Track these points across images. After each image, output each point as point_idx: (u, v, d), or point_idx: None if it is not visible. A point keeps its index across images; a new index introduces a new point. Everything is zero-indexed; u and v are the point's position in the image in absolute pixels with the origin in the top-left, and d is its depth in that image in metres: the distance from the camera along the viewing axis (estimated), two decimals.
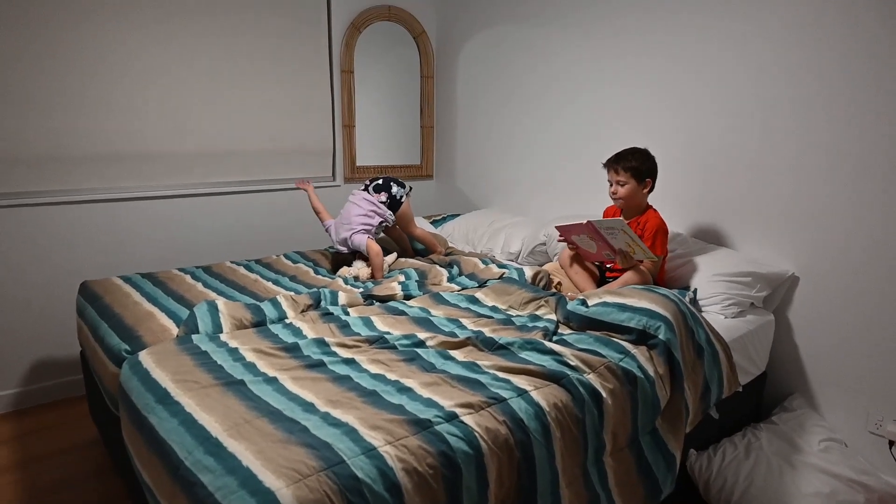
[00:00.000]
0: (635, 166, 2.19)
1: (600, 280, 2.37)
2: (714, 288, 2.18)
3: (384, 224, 2.68)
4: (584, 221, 2.12)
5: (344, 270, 2.55)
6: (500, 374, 1.55)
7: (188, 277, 2.40)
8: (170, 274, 2.43)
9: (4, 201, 2.53)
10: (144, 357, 1.63)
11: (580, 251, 2.29)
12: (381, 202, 2.66)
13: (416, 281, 2.36)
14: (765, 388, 2.38)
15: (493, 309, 2.11)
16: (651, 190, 2.23)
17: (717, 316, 2.15)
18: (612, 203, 2.34)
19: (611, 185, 2.25)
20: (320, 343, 1.73)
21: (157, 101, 2.83)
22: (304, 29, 3.23)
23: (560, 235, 2.29)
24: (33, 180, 2.59)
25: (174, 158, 2.93)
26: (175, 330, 1.86)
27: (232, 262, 2.66)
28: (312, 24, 3.25)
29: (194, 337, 1.77)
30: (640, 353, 1.73)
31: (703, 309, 2.19)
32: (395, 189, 2.68)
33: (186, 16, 2.85)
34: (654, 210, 2.25)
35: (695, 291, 2.20)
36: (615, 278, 2.26)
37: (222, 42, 2.97)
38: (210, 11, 2.90)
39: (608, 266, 2.35)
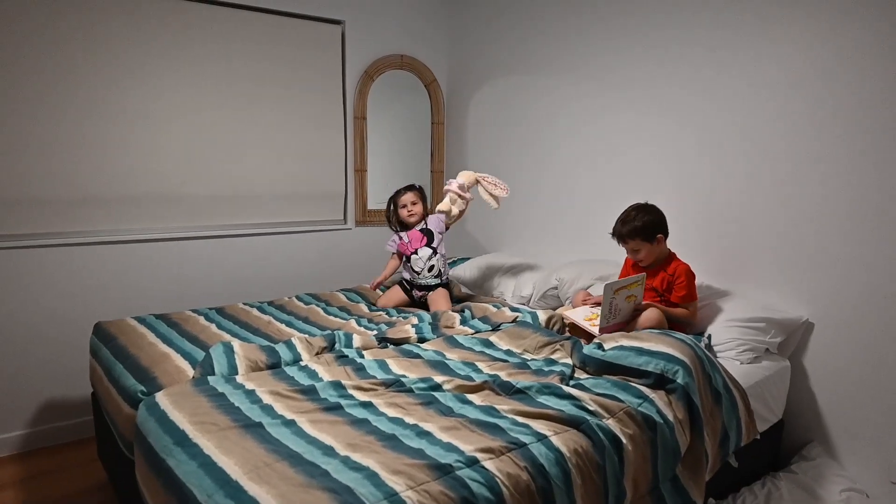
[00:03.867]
0: (639, 228, 2.19)
1: None
2: (728, 333, 2.18)
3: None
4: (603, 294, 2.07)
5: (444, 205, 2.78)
6: (519, 419, 1.53)
7: (202, 319, 2.41)
8: (183, 315, 2.44)
9: (23, 242, 2.56)
10: (161, 398, 1.63)
11: (616, 328, 2.18)
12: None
13: (430, 324, 2.37)
14: (782, 436, 2.35)
15: (508, 353, 2.10)
16: (666, 237, 2.25)
17: (732, 362, 2.14)
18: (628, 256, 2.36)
19: (628, 252, 2.28)
20: (337, 386, 1.72)
21: (175, 145, 2.90)
22: (320, 77, 3.33)
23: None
24: (52, 221, 2.63)
25: (189, 201, 2.98)
26: (190, 371, 1.86)
27: (245, 304, 2.67)
28: (328, 73, 3.35)
29: (210, 378, 1.76)
30: (658, 397, 1.71)
31: (717, 354, 2.18)
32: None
33: (205, 63, 2.94)
34: (677, 257, 2.28)
35: (709, 337, 2.20)
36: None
37: (240, 89, 3.06)
38: (229, 59, 3.00)
39: None
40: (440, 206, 2.77)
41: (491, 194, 2.77)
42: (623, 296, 2.09)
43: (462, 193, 2.76)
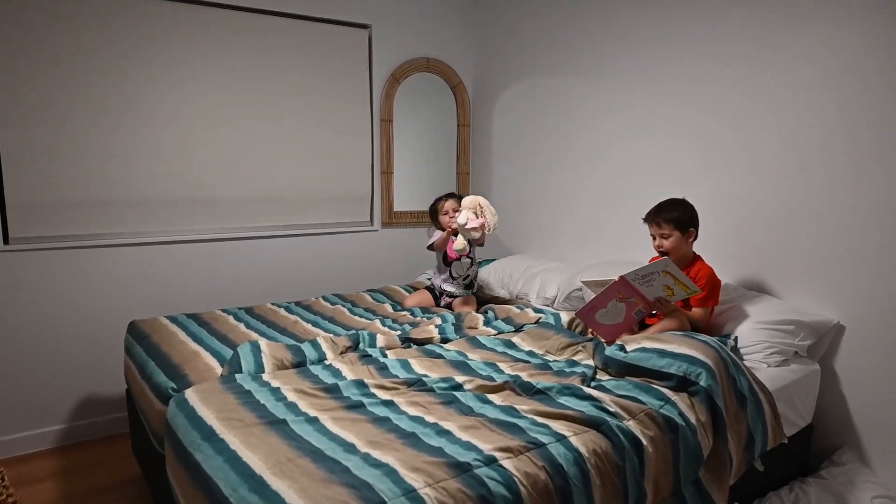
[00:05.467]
0: (677, 217, 2.18)
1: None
2: (756, 336, 2.14)
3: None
4: (616, 279, 2.08)
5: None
6: (539, 419, 1.54)
7: (231, 318, 2.47)
8: (213, 314, 2.51)
9: (62, 243, 2.66)
10: (190, 395, 1.68)
11: (603, 332, 2.19)
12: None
13: (453, 324, 2.38)
14: (811, 440, 2.30)
15: (530, 353, 2.11)
16: (695, 238, 2.23)
17: (759, 364, 2.11)
18: (655, 255, 2.33)
19: (654, 239, 2.25)
20: (360, 384, 1.75)
21: (206, 149, 2.98)
22: (347, 81, 3.38)
23: (581, 319, 2.22)
24: (89, 223, 2.73)
25: (220, 203, 3.06)
26: (219, 369, 1.91)
27: (273, 304, 2.73)
28: (355, 77, 3.40)
29: (238, 376, 1.81)
30: (680, 400, 1.70)
31: (744, 357, 2.15)
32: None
33: (235, 69, 3.01)
34: (702, 259, 2.25)
35: (735, 339, 2.17)
36: (652, 325, 2.24)
37: (268, 93, 3.12)
38: (258, 64, 3.07)
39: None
40: (456, 247, 2.75)
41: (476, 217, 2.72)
42: (661, 285, 2.05)
43: (472, 223, 2.70)
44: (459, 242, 2.73)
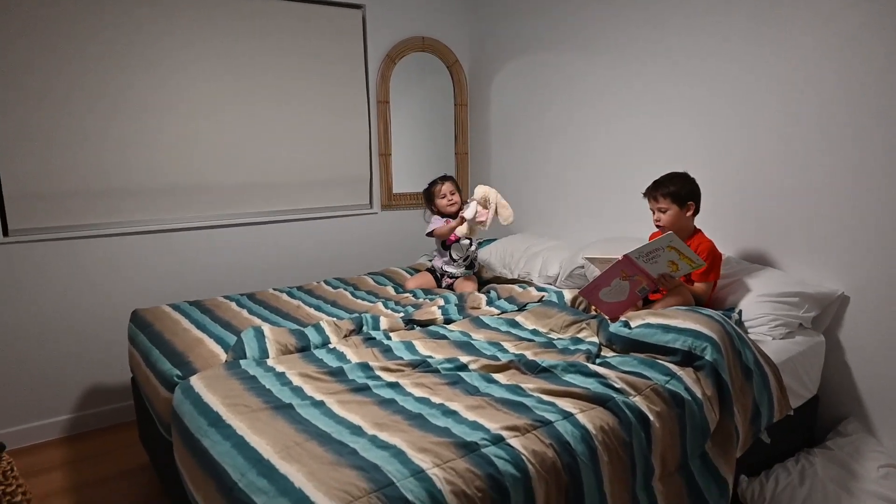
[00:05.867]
0: (674, 191, 2.17)
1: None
2: (760, 309, 2.14)
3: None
4: (619, 257, 2.06)
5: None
6: (545, 397, 1.54)
7: (233, 304, 2.47)
8: (216, 301, 2.50)
9: (61, 234, 2.65)
10: (196, 382, 1.68)
11: (606, 310, 2.18)
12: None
13: (456, 305, 2.38)
14: (817, 411, 2.30)
15: (534, 332, 2.10)
16: (695, 213, 2.21)
17: (764, 337, 2.10)
18: (655, 230, 2.32)
19: (654, 214, 2.24)
20: (364, 367, 1.75)
21: (202, 136, 2.95)
22: (342, 63, 3.33)
23: (585, 298, 2.22)
24: (88, 213, 2.71)
25: (218, 190, 3.04)
26: (223, 355, 1.91)
27: (275, 289, 2.72)
28: (350, 58, 3.36)
29: (242, 362, 1.81)
30: (686, 374, 1.70)
31: (749, 330, 2.14)
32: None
33: (230, 54, 2.97)
34: (703, 233, 2.23)
35: (740, 312, 2.16)
36: (656, 301, 2.23)
37: (264, 78, 3.09)
38: (252, 49, 3.03)
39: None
40: (460, 232, 2.71)
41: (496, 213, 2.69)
42: (665, 260, 2.03)
43: (480, 216, 2.67)
44: (462, 230, 2.70)
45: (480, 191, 2.70)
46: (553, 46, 3.21)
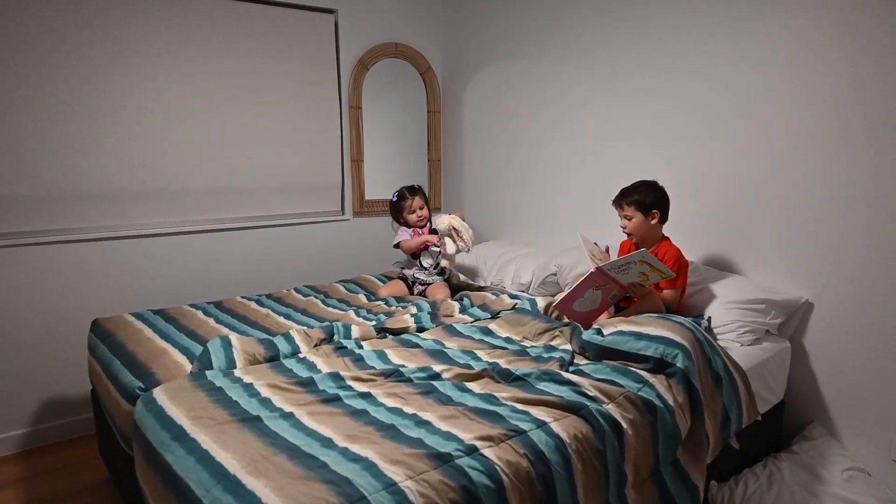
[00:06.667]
0: (638, 199, 2.20)
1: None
2: (728, 315, 2.17)
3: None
4: (592, 270, 2.06)
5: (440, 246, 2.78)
6: (519, 406, 1.53)
7: (200, 313, 2.40)
8: (181, 310, 2.43)
9: (21, 240, 2.55)
10: (159, 394, 1.62)
11: (581, 318, 2.18)
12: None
13: (429, 313, 2.36)
14: (783, 416, 2.34)
15: (508, 340, 2.09)
16: (662, 221, 2.24)
17: (732, 344, 2.14)
18: (626, 238, 2.34)
19: (621, 220, 2.27)
20: (335, 377, 1.71)
21: (170, 140, 2.87)
22: (314, 67, 3.29)
23: (560, 311, 2.22)
24: (48, 218, 2.62)
25: (186, 195, 2.96)
26: (188, 366, 1.85)
27: (243, 297, 2.66)
28: (322, 63, 3.32)
29: (208, 373, 1.76)
30: (658, 382, 1.71)
31: (717, 337, 2.17)
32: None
33: (199, 57, 2.91)
34: (670, 241, 2.26)
35: (709, 319, 2.19)
36: (628, 308, 2.25)
37: (234, 81, 3.03)
38: (222, 52, 2.97)
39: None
40: (448, 250, 2.75)
41: (456, 241, 2.73)
42: (636, 272, 2.05)
43: (451, 248, 2.73)
44: (449, 256, 2.78)
45: (443, 225, 2.70)
46: (526, 54, 3.23)
